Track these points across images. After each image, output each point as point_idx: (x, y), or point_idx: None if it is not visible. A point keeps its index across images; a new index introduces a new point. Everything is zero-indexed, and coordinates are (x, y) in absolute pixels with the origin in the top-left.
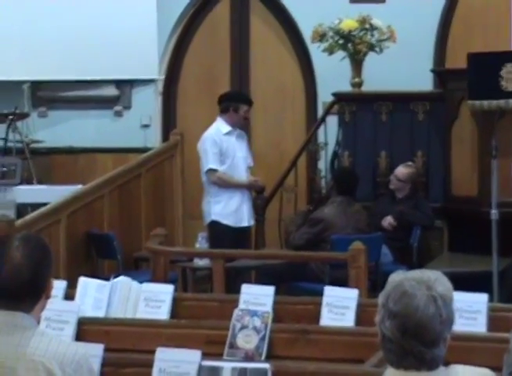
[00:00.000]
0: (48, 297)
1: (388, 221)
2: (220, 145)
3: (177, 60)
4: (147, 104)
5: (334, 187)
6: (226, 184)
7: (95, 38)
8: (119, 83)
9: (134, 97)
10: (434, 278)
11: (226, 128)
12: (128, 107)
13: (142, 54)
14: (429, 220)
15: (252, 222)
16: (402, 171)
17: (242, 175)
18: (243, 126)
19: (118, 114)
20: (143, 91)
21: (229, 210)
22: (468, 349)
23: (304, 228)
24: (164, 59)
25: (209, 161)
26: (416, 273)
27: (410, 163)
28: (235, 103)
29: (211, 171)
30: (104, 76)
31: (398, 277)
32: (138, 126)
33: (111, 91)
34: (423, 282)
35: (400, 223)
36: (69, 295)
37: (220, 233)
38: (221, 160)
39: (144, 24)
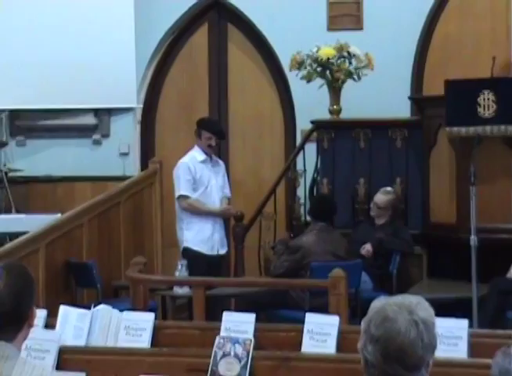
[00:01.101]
0: (31, 325)
1: (366, 249)
2: (194, 172)
3: (155, 88)
4: (126, 132)
5: (311, 215)
6: (197, 211)
7: (73, 67)
8: (97, 111)
9: (112, 125)
10: (416, 303)
11: (202, 155)
12: (106, 136)
13: (120, 82)
14: (408, 247)
15: (223, 251)
16: (381, 198)
17: (215, 203)
18: (214, 154)
19: (97, 143)
20: (122, 119)
21: (202, 237)
22: (450, 375)
23: (284, 256)
24: (142, 87)
25: (181, 188)
26: (398, 299)
27: (389, 188)
28: (198, 128)
29: (182, 197)
30: (82, 105)
31: (380, 303)
32: (116, 154)
33: (89, 119)
34: (405, 307)
35: (379, 250)
36: (49, 324)
37: (193, 260)
38: (194, 188)
39: (122, 53)
